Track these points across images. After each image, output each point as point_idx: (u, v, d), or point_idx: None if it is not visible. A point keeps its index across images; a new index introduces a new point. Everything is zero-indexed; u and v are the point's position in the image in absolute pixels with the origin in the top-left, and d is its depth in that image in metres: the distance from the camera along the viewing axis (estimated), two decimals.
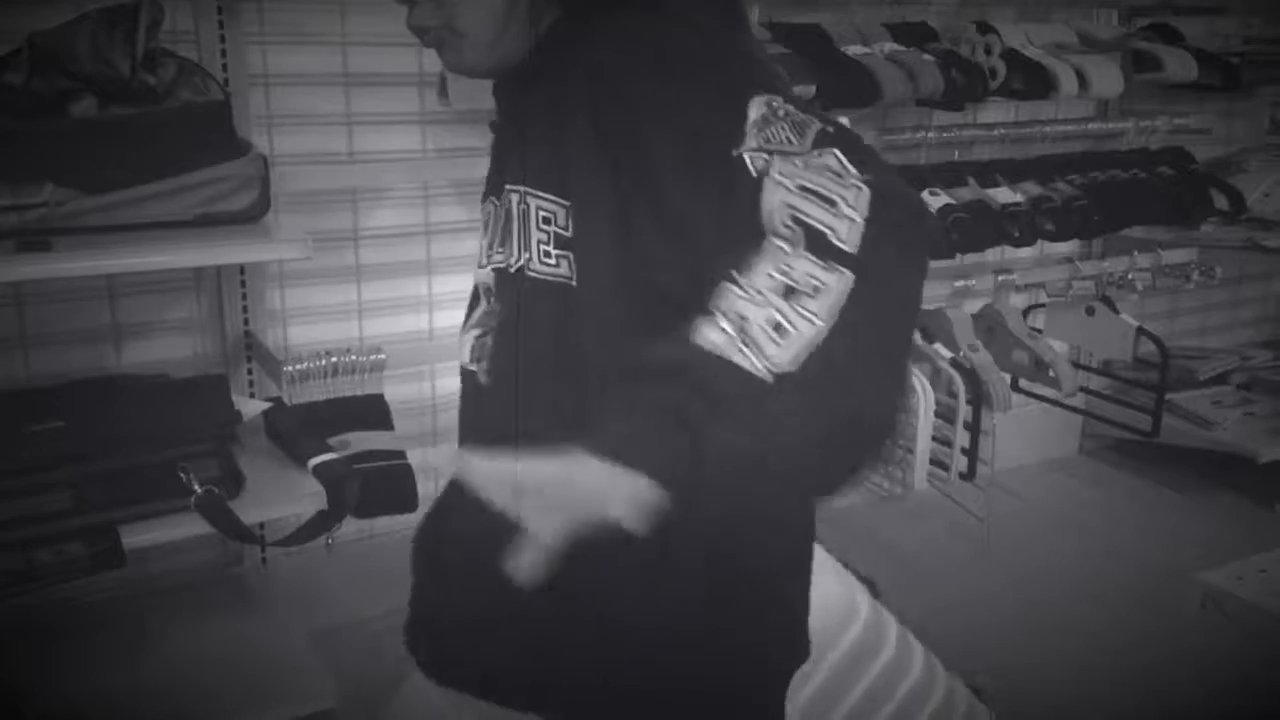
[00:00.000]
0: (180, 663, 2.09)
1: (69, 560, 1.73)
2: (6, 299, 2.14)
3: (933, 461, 3.11)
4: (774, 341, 0.81)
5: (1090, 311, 3.13)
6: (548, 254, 0.98)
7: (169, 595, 2.31)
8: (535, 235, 0.98)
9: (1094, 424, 3.49)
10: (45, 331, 2.19)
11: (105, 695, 1.97)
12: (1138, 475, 3.43)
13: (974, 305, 3.04)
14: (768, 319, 0.81)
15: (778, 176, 0.86)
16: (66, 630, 2.13)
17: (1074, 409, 3.35)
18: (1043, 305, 3.22)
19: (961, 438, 2.82)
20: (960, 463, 2.94)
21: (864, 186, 0.85)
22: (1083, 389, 3.31)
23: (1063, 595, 2.70)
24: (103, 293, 2.21)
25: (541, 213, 0.98)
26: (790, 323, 0.81)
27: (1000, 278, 2.94)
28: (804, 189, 0.85)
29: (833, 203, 0.84)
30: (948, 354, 2.84)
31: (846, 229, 0.83)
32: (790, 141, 0.88)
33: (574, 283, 0.98)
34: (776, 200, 0.85)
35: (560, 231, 0.97)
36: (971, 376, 2.80)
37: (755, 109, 0.89)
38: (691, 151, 0.90)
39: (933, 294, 2.95)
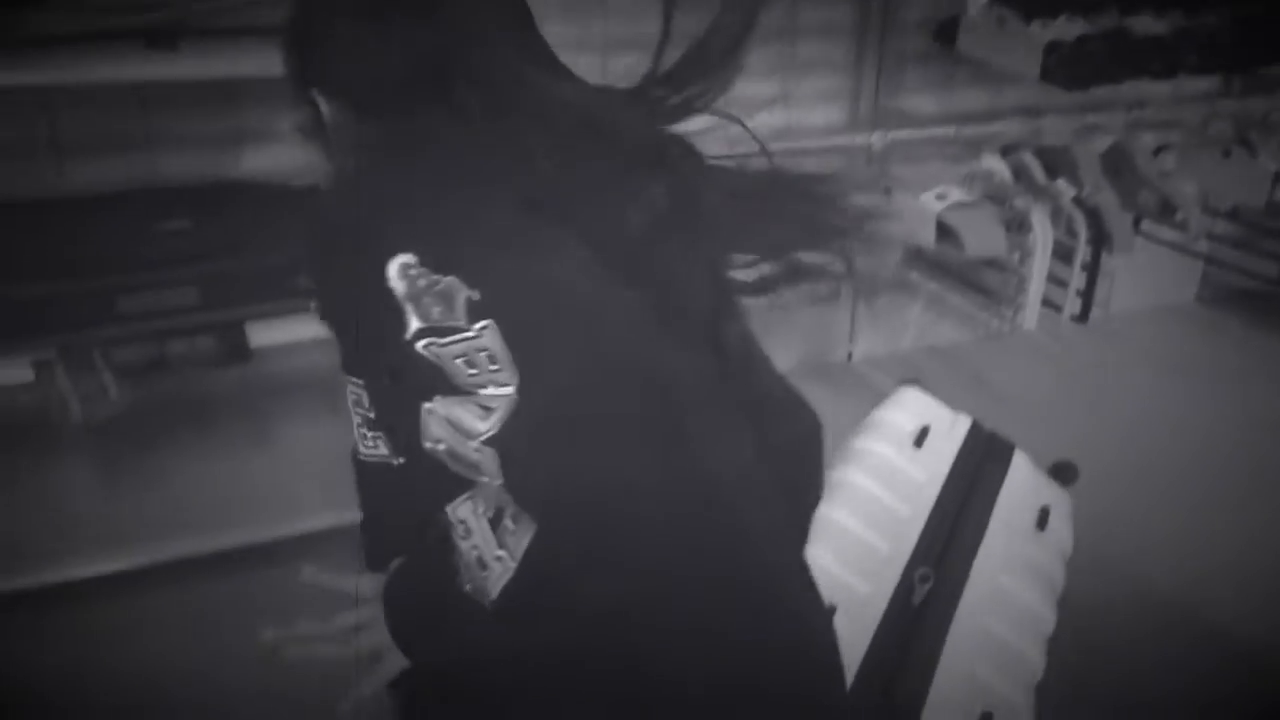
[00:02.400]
0: (299, 457, 2.17)
1: (199, 352, 1.81)
2: (131, 99, 2.17)
3: (1045, 303, 3.05)
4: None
5: (1226, 154, 2.98)
6: (364, 436, 0.92)
7: (288, 394, 2.39)
8: (354, 418, 0.92)
9: (1215, 272, 3.37)
10: (169, 133, 2.22)
11: (221, 482, 2.07)
12: (1255, 327, 3.32)
13: (1102, 143, 2.91)
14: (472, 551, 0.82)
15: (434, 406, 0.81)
16: (193, 419, 2.23)
17: (1198, 254, 3.24)
18: (1174, 145, 3.07)
19: (1078, 279, 2.74)
20: (1074, 305, 2.87)
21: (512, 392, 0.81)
22: (1208, 235, 3.19)
23: (1166, 443, 2.65)
24: (225, 96, 2.23)
25: (352, 395, 0.90)
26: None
27: (1132, 114, 2.81)
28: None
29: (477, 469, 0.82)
30: (1070, 192, 2.74)
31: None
32: (446, 317, 0.80)
33: (394, 461, 0.91)
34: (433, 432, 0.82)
35: (366, 413, 0.91)
36: (1094, 216, 2.70)
37: (396, 278, 0.80)
38: (372, 342, 0.85)
39: (1059, 129, 2.84)
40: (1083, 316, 2.96)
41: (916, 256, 2.87)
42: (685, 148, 0.96)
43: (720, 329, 0.95)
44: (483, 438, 0.80)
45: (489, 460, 0.81)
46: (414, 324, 0.80)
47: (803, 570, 0.94)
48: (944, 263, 3.10)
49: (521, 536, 0.80)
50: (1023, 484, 1.56)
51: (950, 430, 1.58)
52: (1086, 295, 2.91)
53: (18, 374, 1.85)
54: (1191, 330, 3.34)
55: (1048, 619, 1.38)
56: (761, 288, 0.97)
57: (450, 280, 0.79)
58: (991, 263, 3.05)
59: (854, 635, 1.24)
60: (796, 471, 1.03)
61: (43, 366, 1.85)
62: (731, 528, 0.87)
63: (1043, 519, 1.52)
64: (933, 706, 1.20)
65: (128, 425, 2.04)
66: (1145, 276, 3.31)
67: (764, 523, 0.91)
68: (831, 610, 1.23)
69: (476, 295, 0.80)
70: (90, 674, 1.83)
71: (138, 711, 1.75)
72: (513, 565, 0.81)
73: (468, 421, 0.80)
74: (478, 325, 0.80)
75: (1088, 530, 2.21)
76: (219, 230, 1.87)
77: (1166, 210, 2.90)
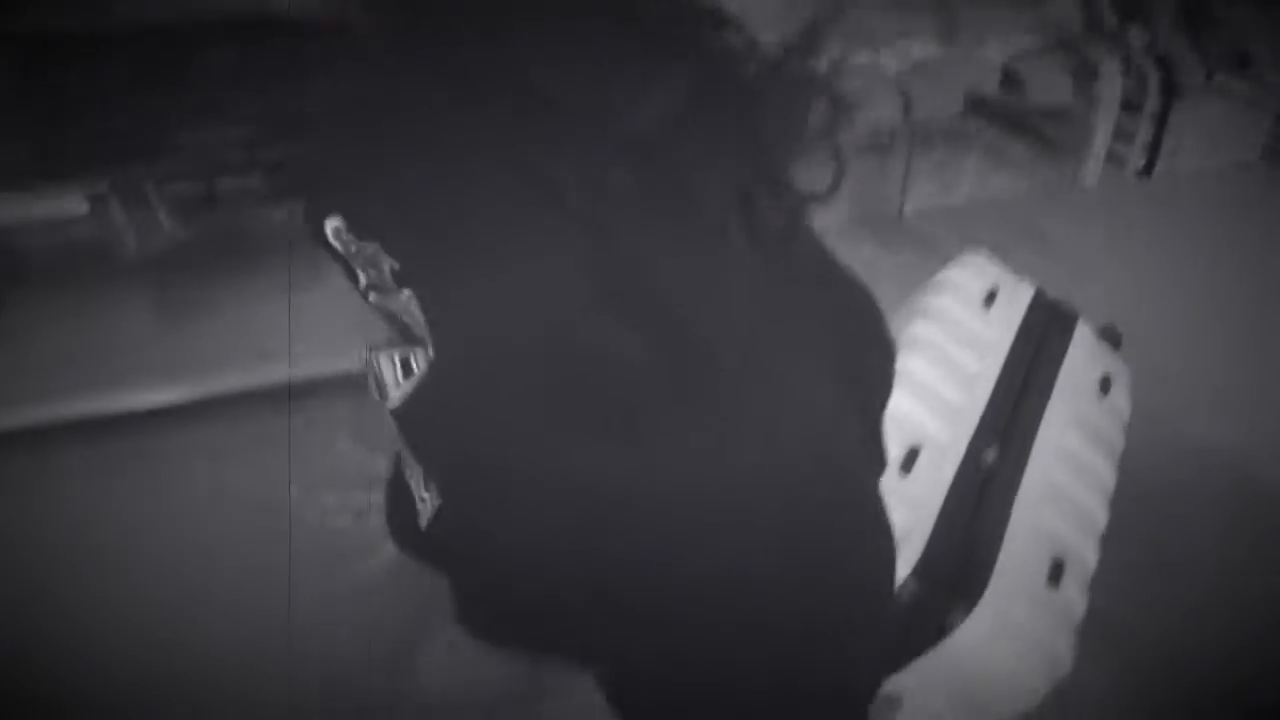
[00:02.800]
0: (348, 296, 2.20)
1: (250, 189, 1.81)
2: None
3: (1108, 156, 2.97)
4: None
5: None
6: None
7: None
8: None
9: None
10: None
11: (270, 318, 2.10)
12: None
13: None
14: None
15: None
16: (244, 256, 2.25)
17: (1271, 110, 3.12)
18: None
19: (1145, 131, 2.66)
20: (1139, 159, 2.80)
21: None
22: None
23: (1222, 304, 2.61)
24: None
25: None
26: None
27: None
28: None
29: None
30: (1142, 39, 2.64)
31: None
32: (379, 279, 0.78)
33: None
34: None
35: None
36: (1165, 66, 2.61)
37: (332, 238, 0.78)
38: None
39: None
40: (1146, 171, 2.89)
41: (977, 104, 2.79)
42: (717, 18, 0.84)
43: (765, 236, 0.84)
44: (390, 406, 0.80)
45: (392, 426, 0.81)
46: (361, 279, 0.79)
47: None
48: (1005, 111, 3.01)
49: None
50: (1086, 351, 1.58)
51: (1015, 295, 1.59)
52: (1152, 149, 2.83)
53: (73, 207, 1.87)
54: (1256, 190, 3.24)
55: (1110, 476, 1.42)
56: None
57: (374, 247, 0.78)
58: (1055, 113, 2.97)
59: (934, 482, 1.27)
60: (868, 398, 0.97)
61: (97, 200, 1.87)
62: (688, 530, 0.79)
63: (1105, 385, 1.56)
64: (1008, 551, 1.23)
65: (181, 259, 2.07)
66: (1213, 132, 3.20)
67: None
68: (915, 451, 1.28)
69: (396, 265, 0.78)
70: (138, 503, 1.90)
71: (184, 541, 1.82)
72: (430, 510, 0.82)
73: (389, 377, 0.80)
74: (404, 293, 0.78)
75: (1139, 387, 2.22)
76: (273, 66, 1.85)
77: (1241, 63, 2.79)
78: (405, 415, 0.80)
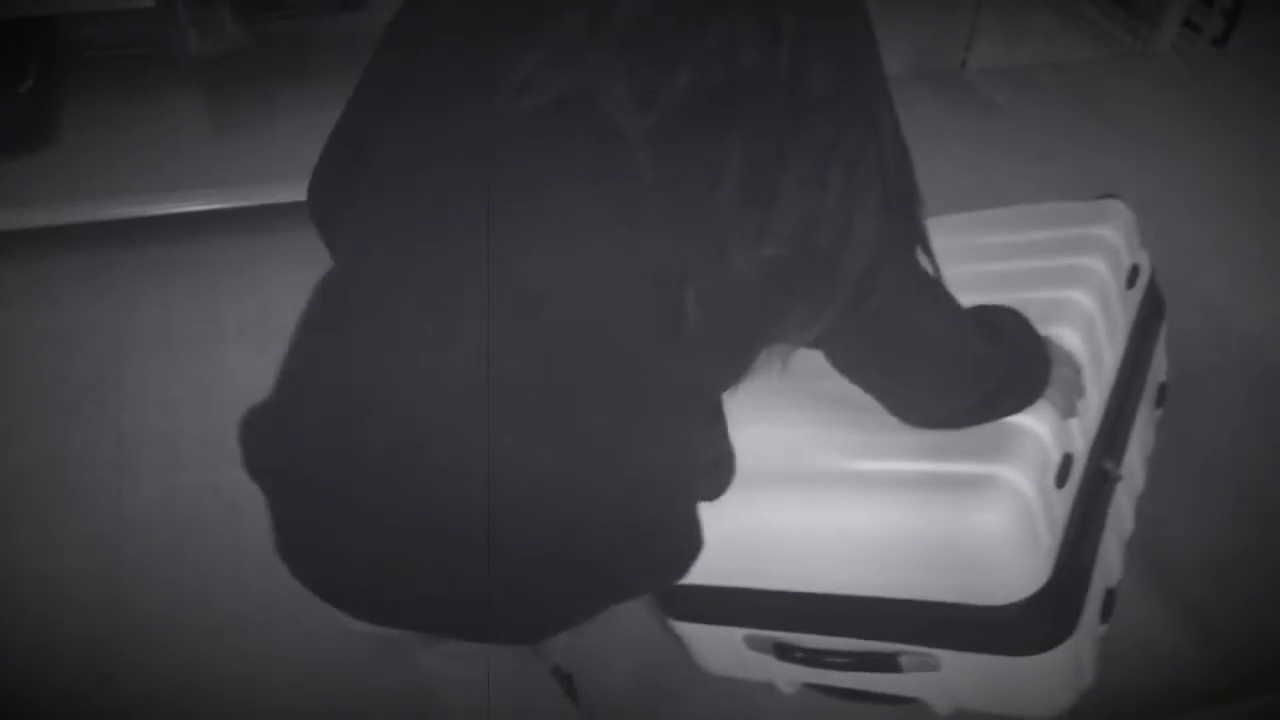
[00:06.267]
0: None
1: None
2: None
3: (1185, 23, 2.87)
4: None
5: None
6: None
7: None
8: None
9: None
10: None
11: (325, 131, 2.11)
12: None
13: None
14: None
15: None
16: (305, 65, 2.24)
17: None
18: None
19: None
20: (1216, 26, 2.70)
21: None
22: None
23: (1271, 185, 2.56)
24: None
25: None
26: None
27: None
28: None
29: None
30: None
31: None
32: None
33: None
34: None
35: None
36: None
37: None
38: None
39: None
40: (1223, 41, 2.79)
41: None
42: None
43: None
44: None
45: None
46: None
47: None
48: None
49: None
50: (1162, 351, 1.56)
51: (1143, 276, 1.47)
52: (1232, 16, 2.73)
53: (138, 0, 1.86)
54: None
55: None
56: None
57: None
58: None
59: (1069, 494, 1.18)
60: None
61: None
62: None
63: (1161, 397, 1.57)
64: (1094, 584, 1.22)
65: (242, 63, 2.06)
66: None
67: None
68: (1069, 460, 1.17)
69: None
70: (188, 304, 1.96)
71: (240, 338, 1.88)
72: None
73: None
74: None
75: (1195, 263, 2.20)
76: None
77: None
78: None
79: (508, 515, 0.82)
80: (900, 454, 1.10)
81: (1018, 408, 1.09)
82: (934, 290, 0.91)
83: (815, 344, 0.89)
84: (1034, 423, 1.10)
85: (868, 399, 1.01)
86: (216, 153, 2.06)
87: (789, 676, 1.34)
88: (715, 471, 1.00)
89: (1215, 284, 2.17)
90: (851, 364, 0.94)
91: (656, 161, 0.73)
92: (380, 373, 0.81)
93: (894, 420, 1.05)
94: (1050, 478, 1.11)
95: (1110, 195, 1.48)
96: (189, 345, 1.86)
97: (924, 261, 0.88)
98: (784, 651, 1.25)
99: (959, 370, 0.99)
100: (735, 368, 0.85)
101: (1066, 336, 1.22)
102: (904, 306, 0.88)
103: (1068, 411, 1.15)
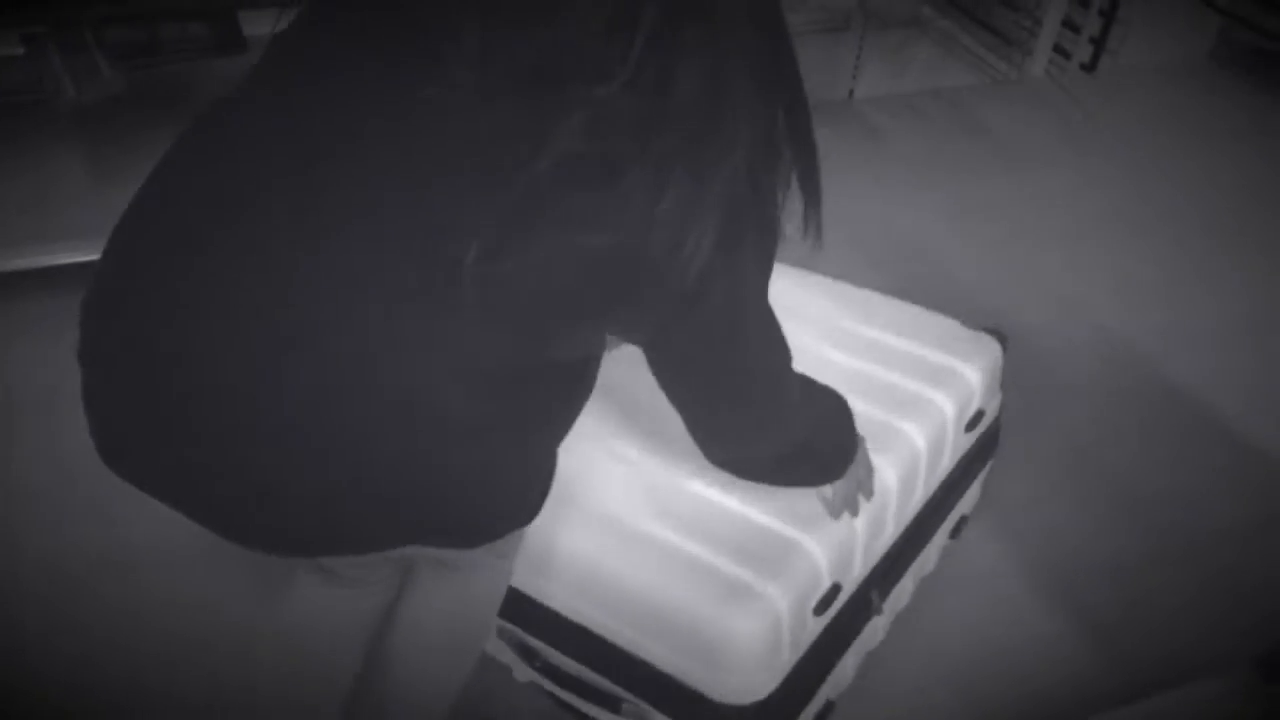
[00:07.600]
0: None
1: (191, 38, 1.76)
2: None
3: (1055, 49, 2.98)
4: None
5: None
6: None
7: None
8: None
9: (1232, 29, 3.28)
10: None
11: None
12: (1265, 91, 3.25)
13: None
14: None
15: None
16: (185, 108, 2.20)
17: (1217, 7, 3.14)
18: None
19: (1093, 24, 2.66)
20: (1085, 52, 2.81)
21: None
22: None
23: (1158, 199, 2.66)
24: None
25: None
26: None
27: None
28: None
29: None
30: None
31: None
32: None
33: None
34: None
35: None
36: None
37: None
38: None
39: None
40: (1092, 66, 2.90)
41: None
42: None
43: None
44: None
45: None
46: None
47: None
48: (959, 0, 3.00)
49: None
50: (979, 484, 1.59)
51: (989, 418, 1.48)
52: (1099, 43, 2.84)
53: (6, 47, 1.81)
54: (1200, 88, 3.28)
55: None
56: None
57: None
58: (1007, 1, 2.96)
59: (826, 618, 1.22)
60: None
61: (32, 41, 1.81)
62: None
63: (958, 530, 1.58)
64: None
65: (119, 109, 2.01)
66: (1160, 29, 3.22)
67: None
68: (837, 589, 1.20)
69: None
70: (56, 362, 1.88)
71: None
72: None
73: None
74: None
75: (1081, 279, 2.26)
76: None
77: None
78: None
79: (302, 418, 0.81)
80: (692, 533, 1.15)
81: (816, 479, 1.15)
82: (769, 326, 0.93)
83: (642, 343, 0.90)
84: (814, 546, 1.15)
85: (696, 455, 1.03)
86: (96, 204, 2.00)
87: (524, 671, 1.35)
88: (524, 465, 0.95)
89: (1098, 298, 2.24)
90: (669, 371, 0.93)
91: (482, 116, 0.74)
92: (205, 247, 0.84)
93: (702, 486, 1.14)
94: (812, 604, 1.16)
95: (994, 330, 1.49)
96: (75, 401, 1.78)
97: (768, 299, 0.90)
98: (527, 654, 1.29)
99: (770, 411, 1.00)
100: (520, 338, 0.82)
101: (883, 468, 1.24)
102: (734, 324, 0.89)
103: (851, 509, 1.18)
